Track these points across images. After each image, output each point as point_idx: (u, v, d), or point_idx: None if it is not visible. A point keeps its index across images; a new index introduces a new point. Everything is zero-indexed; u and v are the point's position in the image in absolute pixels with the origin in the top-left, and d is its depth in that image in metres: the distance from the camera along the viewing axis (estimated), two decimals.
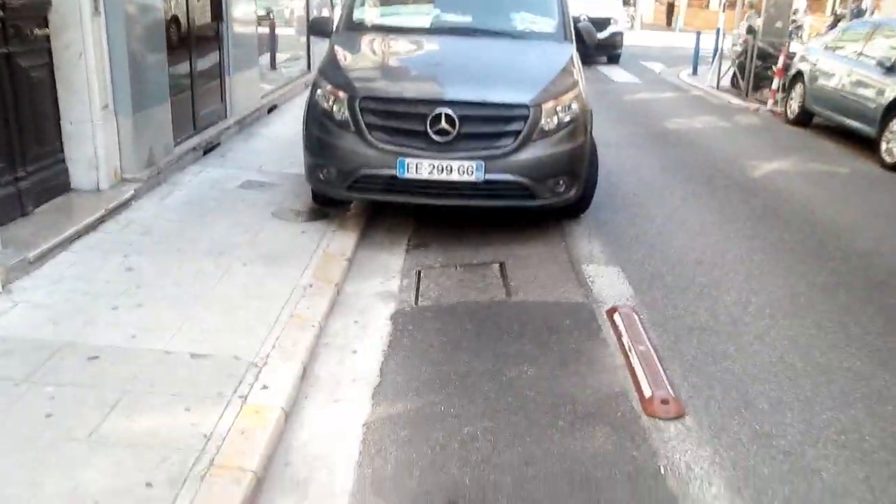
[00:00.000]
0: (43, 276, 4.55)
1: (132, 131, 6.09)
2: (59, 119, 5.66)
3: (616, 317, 4.51)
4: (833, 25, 17.72)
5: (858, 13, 17.94)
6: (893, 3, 17.16)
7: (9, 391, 3.32)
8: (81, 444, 2.99)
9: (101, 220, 5.41)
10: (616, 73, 17.94)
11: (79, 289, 4.40)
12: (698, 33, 19.00)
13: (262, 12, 10.61)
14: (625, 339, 4.23)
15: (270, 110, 10.08)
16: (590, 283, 5.06)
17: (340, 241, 5.42)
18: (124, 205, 5.77)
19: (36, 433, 3.04)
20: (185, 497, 2.73)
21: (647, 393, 3.70)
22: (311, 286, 4.62)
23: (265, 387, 3.47)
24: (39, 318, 4.03)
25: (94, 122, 5.72)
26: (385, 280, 5.07)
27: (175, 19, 7.27)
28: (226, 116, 8.57)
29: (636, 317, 4.53)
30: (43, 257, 4.71)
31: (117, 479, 2.80)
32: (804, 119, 11.44)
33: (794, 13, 24.72)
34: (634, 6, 37.15)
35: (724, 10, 25.28)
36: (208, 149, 7.63)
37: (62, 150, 5.71)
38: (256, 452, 3.02)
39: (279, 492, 2.98)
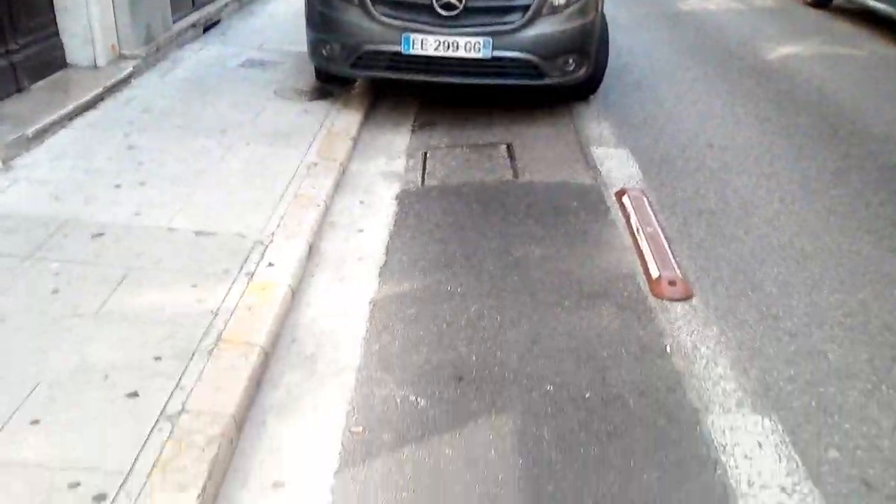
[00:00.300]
0: (43, 153, 4.47)
1: (128, 5, 5.89)
2: None
3: (625, 199, 4.45)
4: None
5: None
6: None
7: (14, 267, 3.31)
8: (88, 319, 2.99)
9: (100, 98, 5.29)
10: None
11: (80, 166, 4.34)
12: None
13: None
14: (633, 221, 4.18)
15: None
16: (598, 165, 4.98)
17: (345, 119, 5.31)
18: (123, 82, 5.63)
19: (43, 309, 3.04)
20: (193, 370, 2.75)
21: (655, 274, 3.68)
22: (315, 165, 4.54)
23: (271, 264, 3.46)
24: (41, 194, 3.98)
25: None
26: (390, 160, 4.99)
27: None
28: None
29: (645, 199, 4.47)
30: (42, 134, 4.62)
31: (125, 353, 2.82)
32: (824, 0, 11.03)
33: None
34: None
35: None
36: (208, 26, 7.41)
37: (55, 23, 5.53)
38: (263, 328, 3.02)
39: (287, 367, 2.99)
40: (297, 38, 6.71)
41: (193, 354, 2.84)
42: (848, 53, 8.49)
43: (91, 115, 5.08)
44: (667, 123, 5.84)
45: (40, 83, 5.28)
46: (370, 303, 3.41)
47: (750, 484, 2.53)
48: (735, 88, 6.81)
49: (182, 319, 3.03)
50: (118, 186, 4.13)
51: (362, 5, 5.18)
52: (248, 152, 4.68)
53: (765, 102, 6.46)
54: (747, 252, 4.00)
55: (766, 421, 2.81)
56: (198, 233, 3.69)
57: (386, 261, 3.75)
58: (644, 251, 3.89)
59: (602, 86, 6.18)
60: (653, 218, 4.24)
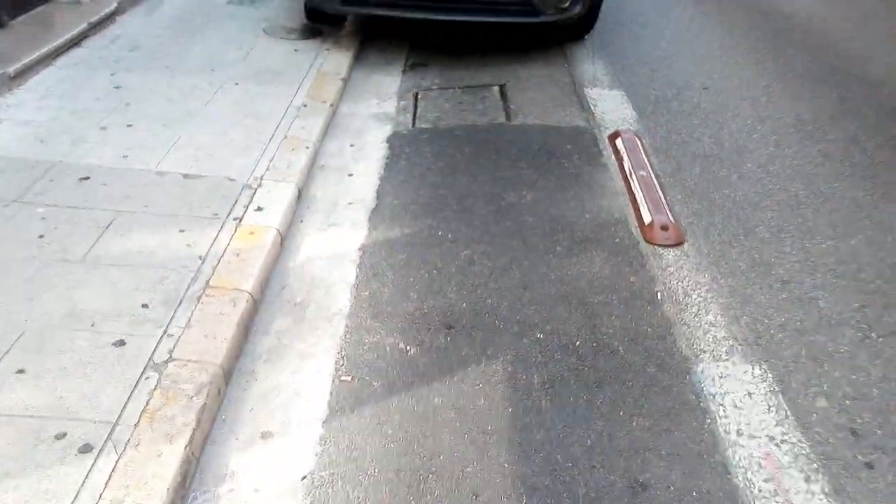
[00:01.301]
0: (27, 93, 4.38)
1: None
2: None
3: (618, 142, 4.40)
4: None
5: None
6: None
7: None
8: (76, 265, 2.97)
9: (84, 35, 5.17)
10: None
11: (66, 107, 4.25)
12: None
13: None
14: (626, 165, 4.14)
15: None
16: (592, 107, 4.91)
17: (335, 60, 5.21)
18: (108, 18, 5.50)
19: (30, 254, 3.01)
20: (180, 318, 2.74)
21: (647, 219, 3.66)
22: (305, 106, 4.47)
23: (260, 208, 3.42)
24: (26, 136, 3.91)
25: None
26: (381, 101, 4.91)
27: None
28: None
29: (639, 142, 4.42)
30: (25, 73, 4.52)
31: (113, 299, 2.80)
32: None
33: None
34: None
35: None
36: None
37: None
38: (252, 274, 3.00)
39: (277, 313, 2.98)
40: None
41: (181, 301, 2.82)
42: None
43: (76, 54, 4.96)
44: (662, 64, 5.74)
45: (21, 18, 5.14)
46: (360, 248, 3.39)
47: (739, 433, 2.55)
48: (732, 28, 6.70)
49: (170, 265, 3.01)
50: (105, 128, 4.06)
51: None
52: (238, 92, 4.60)
53: (762, 43, 6.35)
54: (741, 197, 3.97)
55: (756, 369, 2.82)
56: (186, 175, 3.64)
57: (376, 205, 3.72)
58: (637, 196, 3.86)
59: (597, 25, 6.05)
60: (646, 161, 4.20)
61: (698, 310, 3.11)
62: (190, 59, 5.02)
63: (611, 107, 4.94)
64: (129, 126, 4.10)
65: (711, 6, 7.30)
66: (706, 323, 3.04)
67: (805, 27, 6.81)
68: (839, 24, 7.02)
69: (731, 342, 2.95)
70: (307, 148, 4.01)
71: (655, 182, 4.00)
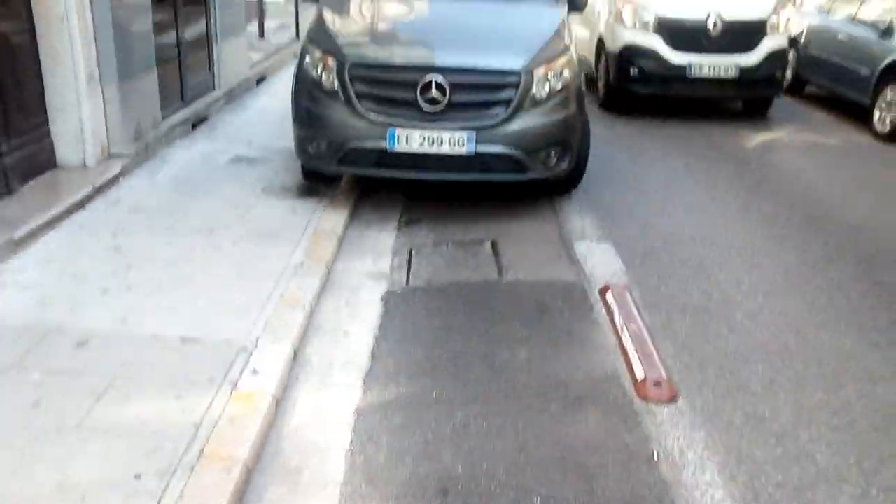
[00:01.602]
0: (30, 257, 4.50)
1: (119, 103, 6.00)
2: (42, 90, 5.56)
3: (608, 296, 4.49)
4: None
5: None
6: None
7: None
8: (70, 434, 2.97)
9: (88, 198, 5.35)
10: None
11: (67, 270, 4.36)
12: None
13: None
14: (617, 319, 4.21)
15: (259, 81, 9.95)
16: (582, 261, 5.03)
17: (331, 218, 5.37)
18: (112, 181, 5.70)
19: (24, 423, 3.01)
20: (174, 488, 2.72)
21: (640, 375, 3.69)
22: (302, 265, 4.58)
23: (255, 371, 3.45)
24: (27, 300, 3.99)
25: (79, 92, 5.63)
26: (376, 259, 5.03)
27: None
28: (214, 88, 8.45)
29: (629, 296, 4.51)
30: (30, 237, 4.65)
31: (106, 470, 2.78)
32: (797, 87, 11.33)
33: None
34: None
35: None
36: (197, 122, 7.54)
37: (47, 123, 5.62)
38: (247, 441, 3.00)
39: (270, 480, 2.96)
40: (285, 133, 6.82)
41: (175, 470, 2.81)
42: (822, 141, 8.71)
43: (79, 216, 5.12)
44: (649, 216, 5.93)
45: (30, 184, 5.33)
46: (355, 411, 3.39)
47: None
48: (716, 178, 6.95)
49: (165, 432, 3.01)
50: (105, 291, 4.15)
51: (348, 101, 5.29)
52: (236, 253, 4.72)
53: (745, 192, 6.59)
54: (732, 349, 4.02)
55: None
56: (183, 339, 3.69)
57: (371, 366, 3.75)
58: (628, 351, 3.91)
59: (584, 178, 6.28)
60: (637, 315, 4.27)
61: (695, 469, 3.10)
62: (190, 219, 5.18)
63: (600, 260, 5.06)
64: (129, 289, 4.18)
65: (694, 158, 7.60)
66: (703, 483, 3.02)
67: (784, 176, 7.09)
68: (815, 171, 7.31)
69: (729, 503, 2.92)
70: (303, 308, 4.08)
71: (647, 336, 4.06)
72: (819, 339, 4.17)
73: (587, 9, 8.95)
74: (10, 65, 5.13)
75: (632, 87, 9.16)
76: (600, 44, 9.76)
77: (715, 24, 8.80)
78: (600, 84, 9.81)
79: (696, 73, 8.93)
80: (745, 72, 8.94)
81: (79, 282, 4.23)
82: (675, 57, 8.91)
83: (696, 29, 8.87)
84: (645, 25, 9.03)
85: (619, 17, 9.28)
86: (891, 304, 4.60)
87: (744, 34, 8.95)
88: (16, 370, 3.36)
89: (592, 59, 10.02)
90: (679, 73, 8.93)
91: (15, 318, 3.80)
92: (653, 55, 8.99)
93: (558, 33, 5.86)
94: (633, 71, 9.06)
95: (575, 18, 9.74)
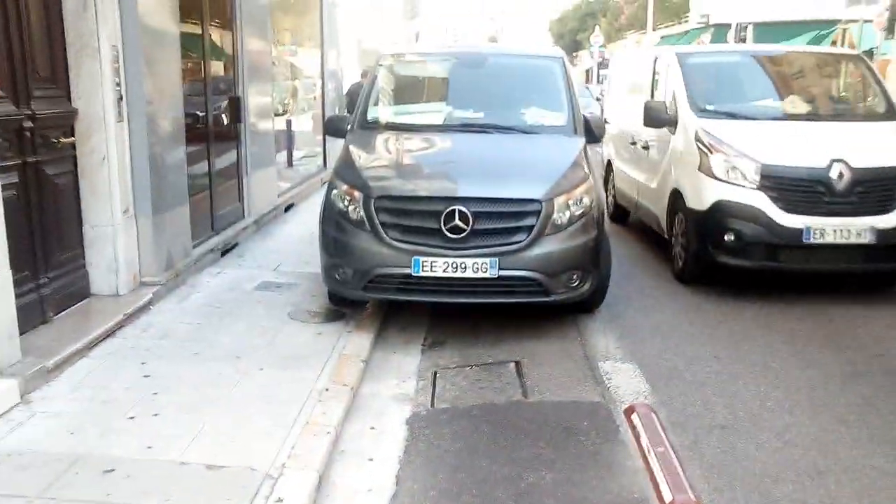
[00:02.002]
0: (61, 385, 4.59)
1: (152, 235, 6.21)
2: (80, 224, 5.79)
3: (634, 416, 4.44)
4: None
5: None
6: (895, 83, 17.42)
7: None
8: None
9: (119, 326, 5.47)
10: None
11: (97, 397, 4.43)
12: None
13: (278, 111, 10.92)
14: (643, 441, 4.16)
15: (287, 209, 10.25)
16: (606, 381, 5.03)
17: (356, 342, 5.45)
18: (143, 309, 5.84)
19: None
20: None
21: (668, 498, 3.62)
22: (327, 390, 4.62)
23: (280, 500, 3.45)
24: (57, 428, 4.04)
25: (115, 226, 5.85)
26: (401, 381, 5.07)
27: (195, 121, 7.48)
28: (243, 216, 8.73)
29: (654, 416, 4.45)
30: (62, 365, 4.75)
31: None
32: None
33: None
34: None
35: None
36: (226, 249, 7.75)
37: (83, 256, 5.82)
38: None
39: None
40: (311, 259, 7.01)
41: None
42: None
43: (110, 344, 5.23)
44: (671, 334, 5.95)
45: (64, 313, 5.47)
46: None
47: None
48: (736, 294, 6.96)
49: None
50: (132, 418, 4.20)
51: (374, 231, 5.45)
52: (262, 378, 4.78)
53: (766, 308, 6.59)
54: (760, 469, 3.97)
55: None
56: (209, 466, 3.71)
57: (396, 491, 3.73)
58: (656, 473, 3.84)
59: (606, 298, 6.34)
60: (663, 436, 4.21)
61: None
62: (217, 345, 5.27)
63: (624, 380, 5.06)
64: (156, 415, 4.24)
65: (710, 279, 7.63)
66: None
67: (804, 291, 7.05)
68: (835, 283, 7.27)
69: None
70: (328, 433, 4.10)
71: (674, 457, 3.99)
72: (850, 457, 4.11)
73: (650, 151, 8.39)
74: (54, 204, 5.38)
75: (724, 257, 6.88)
76: (676, 198, 7.54)
77: (841, 176, 6.55)
78: (676, 250, 7.55)
79: (815, 239, 6.58)
80: (882, 235, 6.60)
81: (107, 408, 4.29)
82: (787, 219, 6.61)
83: (816, 181, 6.63)
84: (744, 177, 6.78)
85: (705, 166, 7.04)
86: None
87: (880, 188, 6.70)
88: (43, 499, 3.38)
89: (663, 218, 7.95)
90: (793, 239, 6.62)
91: (44, 445, 3.86)
92: (756, 217, 6.70)
93: (577, 163, 6.04)
94: (729, 237, 6.77)
95: (628, 158, 9.38)
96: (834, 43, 31.13)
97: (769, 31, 27.97)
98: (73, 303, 5.62)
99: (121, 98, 5.81)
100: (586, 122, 6.75)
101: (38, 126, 5.17)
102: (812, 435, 4.34)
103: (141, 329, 5.55)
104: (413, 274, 5.39)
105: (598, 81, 41.34)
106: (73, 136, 5.64)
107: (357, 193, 5.59)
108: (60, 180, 5.50)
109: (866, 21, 16.29)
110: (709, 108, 7.52)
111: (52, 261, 5.36)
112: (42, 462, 3.69)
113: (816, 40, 30.17)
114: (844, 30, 28.70)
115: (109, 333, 5.34)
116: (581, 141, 6.51)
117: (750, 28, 23.63)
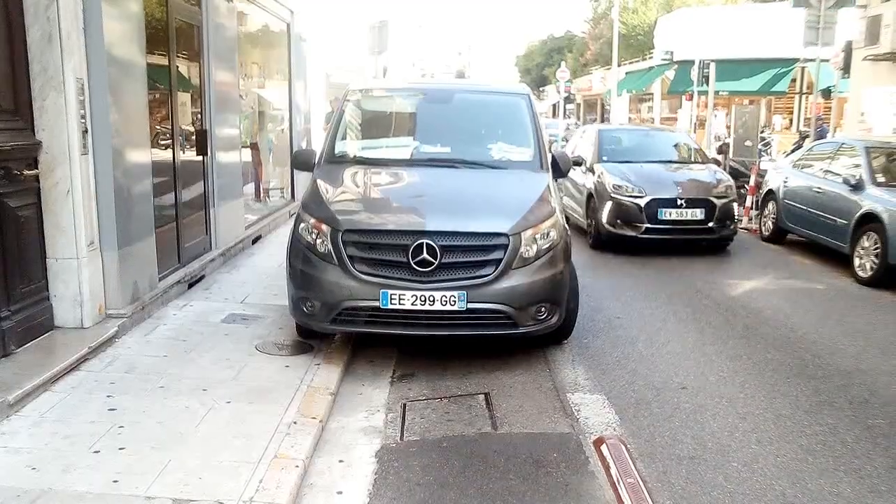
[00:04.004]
0: (23, 419, 4.50)
1: (117, 267, 6.14)
2: (44, 257, 5.71)
3: (603, 448, 4.48)
4: (799, 144, 18.36)
5: (822, 132, 18.62)
6: (853, 122, 17.87)
7: None
8: None
9: (84, 359, 5.39)
10: None
11: (60, 432, 4.35)
12: None
13: (246, 144, 10.90)
14: (613, 472, 4.19)
15: (255, 241, 10.21)
16: (575, 412, 5.05)
17: (325, 374, 5.41)
18: (108, 342, 5.76)
19: None
20: None
21: None
22: (295, 423, 4.58)
23: None
24: (17, 464, 3.96)
25: (79, 259, 5.78)
26: (370, 414, 5.04)
27: (161, 154, 7.43)
28: (210, 248, 8.66)
29: (623, 447, 4.50)
30: (24, 399, 4.66)
31: None
32: (779, 236, 11.69)
33: (762, 131, 25.57)
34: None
35: (694, 130, 26.15)
36: (193, 282, 7.68)
37: (47, 288, 5.74)
38: None
39: None
40: (279, 291, 6.98)
41: None
42: (807, 287, 8.91)
43: (74, 377, 5.14)
44: (640, 365, 5.99)
45: (27, 346, 5.38)
46: None
47: None
48: (703, 326, 7.06)
49: None
50: (97, 452, 4.13)
51: (342, 264, 5.45)
52: (229, 411, 4.72)
53: (734, 339, 6.68)
54: (728, 499, 4.00)
55: None
56: (175, 501, 3.65)
57: None
58: None
59: (574, 329, 6.38)
60: (632, 467, 4.25)
61: None
62: (184, 378, 5.21)
63: (593, 411, 5.08)
64: (122, 449, 4.17)
65: (681, 306, 7.74)
66: None
67: (771, 322, 7.20)
68: (802, 317, 7.43)
69: None
70: (296, 467, 4.06)
71: (643, 489, 4.03)
72: (818, 486, 4.16)
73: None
74: (16, 236, 5.30)
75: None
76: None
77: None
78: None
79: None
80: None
81: (71, 443, 4.21)
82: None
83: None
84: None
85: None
86: (888, 449, 4.60)
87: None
88: None
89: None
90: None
91: (5, 481, 3.77)
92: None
93: (543, 197, 6.11)
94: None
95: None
96: (794, 81, 31.95)
97: (730, 67, 28.57)
98: (37, 336, 5.53)
99: (86, 131, 5.78)
100: (553, 158, 6.83)
101: (0, 158, 5.11)
102: (779, 465, 4.38)
103: (106, 362, 5.47)
104: (381, 307, 5.39)
105: (564, 116, 41.89)
106: (36, 168, 5.58)
107: (325, 227, 5.59)
108: (23, 213, 5.43)
109: (823, 60, 16.70)
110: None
111: (14, 293, 5.28)
112: (2, 499, 3.60)
113: (776, 78, 30.95)
114: (803, 68, 29.47)
115: (74, 367, 5.26)
116: (547, 176, 6.59)
117: (713, 66, 24.09)
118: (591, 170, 11.64)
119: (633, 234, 10.64)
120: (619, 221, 10.73)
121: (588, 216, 11.69)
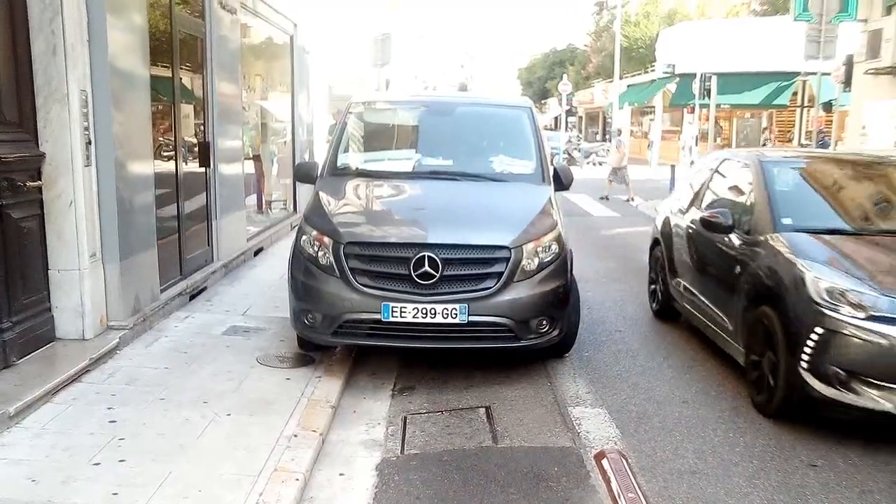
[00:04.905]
0: (23, 431, 4.49)
1: (119, 279, 6.15)
2: (46, 268, 5.72)
3: (604, 462, 4.46)
4: None
5: (823, 145, 18.67)
6: (854, 136, 17.90)
7: None
8: None
9: (85, 371, 5.39)
10: (593, 207, 18.36)
11: (60, 444, 4.34)
12: (673, 166, 19.59)
13: (248, 155, 10.93)
14: (614, 486, 4.17)
15: (257, 252, 10.22)
16: (576, 426, 5.04)
17: (325, 387, 5.41)
18: (109, 353, 5.76)
19: None
20: None
21: None
22: (295, 436, 4.57)
23: None
24: (18, 476, 3.95)
25: (81, 270, 5.79)
26: (370, 427, 5.03)
27: (164, 166, 7.46)
28: (212, 260, 8.67)
29: (624, 461, 4.48)
30: (24, 411, 4.66)
31: None
32: None
33: (764, 144, 25.67)
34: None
35: (696, 144, 26.22)
36: (194, 293, 7.68)
37: (49, 299, 5.74)
38: None
39: None
40: (281, 303, 6.98)
41: None
42: None
43: (75, 389, 5.14)
44: (641, 378, 5.98)
45: (28, 357, 5.38)
46: None
47: None
48: (706, 340, 7.03)
49: None
50: (97, 464, 4.12)
51: (343, 277, 5.45)
52: (230, 423, 4.72)
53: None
54: None
55: None
56: None
57: None
58: None
59: (576, 340, 6.37)
60: (633, 482, 4.23)
61: None
62: (185, 391, 5.21)
63: (594, 425, 5.07)
64: (122, 461, 4.16)
65: (680, 322, 7.72)
66: None
67: None
68: None
69: None
70: (297, 480, 4.05)
71: (645, 503, 4.01)
72: (819, 502, 4.13)
73: None
74: (19, 247, 5.32)
75: None
76: None
77: None
78: None
79: None
80: None
81: (71, 455, 4.21)
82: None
83: None
84: None
85: None
86: (888, 464, 4.58)
87: None
88: None
89: None
90: None
91: (4, 493, 3.76)
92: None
93: (545, 210, 6.12)
94: None
95: None
96: (795, 94, 32.01)
97: (732, 81, 28.69)
98: (38, 347, 5.53)
99: (89, 142, 5.80)
100: (555, 171, 6.84)
101: (3, 170, 5.13)
102: (781, 479, 4.37)
103: (107, 374, 5.47)
104: (383, 319, 5.39)
105: (566, 129, 41.97)
106: (39, 179, 5.59)
107: (327, 239, 5.60)
108: (26, 224, 5.44)
109: (824, 74, 16.76)
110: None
111: (15, 304, 5.28)
112: None
113: (777, 92, 31.03)
114: (804, 82, 29.54)
115: (75, 378, 5.26)
116: (549, 189, 6.59)
117: (714, 79, 24.21)
118: (757, 244, 5.73)
119: (889, 406, 4.56)
120: (845, 373, 4.64)
121: (747, 338, 5.62)
